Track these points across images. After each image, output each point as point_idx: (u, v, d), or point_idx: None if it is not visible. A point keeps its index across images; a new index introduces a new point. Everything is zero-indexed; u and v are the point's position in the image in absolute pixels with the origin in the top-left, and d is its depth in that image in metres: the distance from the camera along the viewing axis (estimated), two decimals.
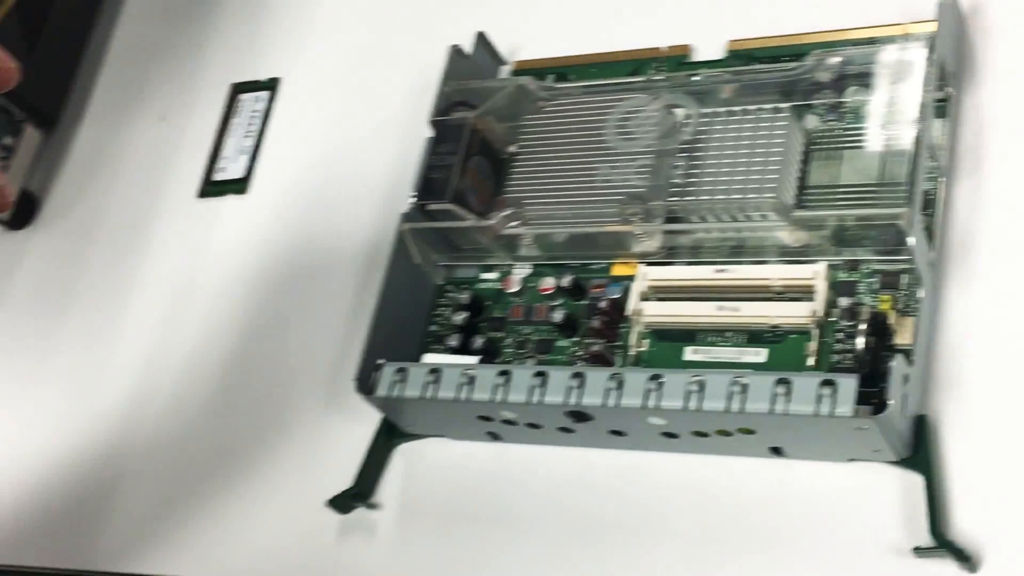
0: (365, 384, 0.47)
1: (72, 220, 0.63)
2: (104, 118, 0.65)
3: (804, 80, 0.47)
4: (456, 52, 0.53)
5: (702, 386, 0.41)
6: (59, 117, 0.65)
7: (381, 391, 0.46)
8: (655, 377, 0.42)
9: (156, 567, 0.51)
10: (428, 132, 0.51)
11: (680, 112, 0.48)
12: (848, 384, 0.39)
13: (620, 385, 0.42)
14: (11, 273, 0.63)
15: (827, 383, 0.39)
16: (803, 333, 0.44)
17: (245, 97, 0.62)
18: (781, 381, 0.40)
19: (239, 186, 0.60)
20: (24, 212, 0.64)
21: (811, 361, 0.43)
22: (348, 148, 0.58)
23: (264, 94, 0.62)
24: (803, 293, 0.44)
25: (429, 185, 0.50)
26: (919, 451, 0.40)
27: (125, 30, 0.68)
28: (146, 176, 0.63)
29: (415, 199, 0.50)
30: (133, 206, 0.62)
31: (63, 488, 0.55)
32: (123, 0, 0.68)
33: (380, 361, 0.47)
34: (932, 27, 0.45)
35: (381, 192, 0.55)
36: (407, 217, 0.50)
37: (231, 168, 0.60)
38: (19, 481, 0.56)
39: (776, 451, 0.43)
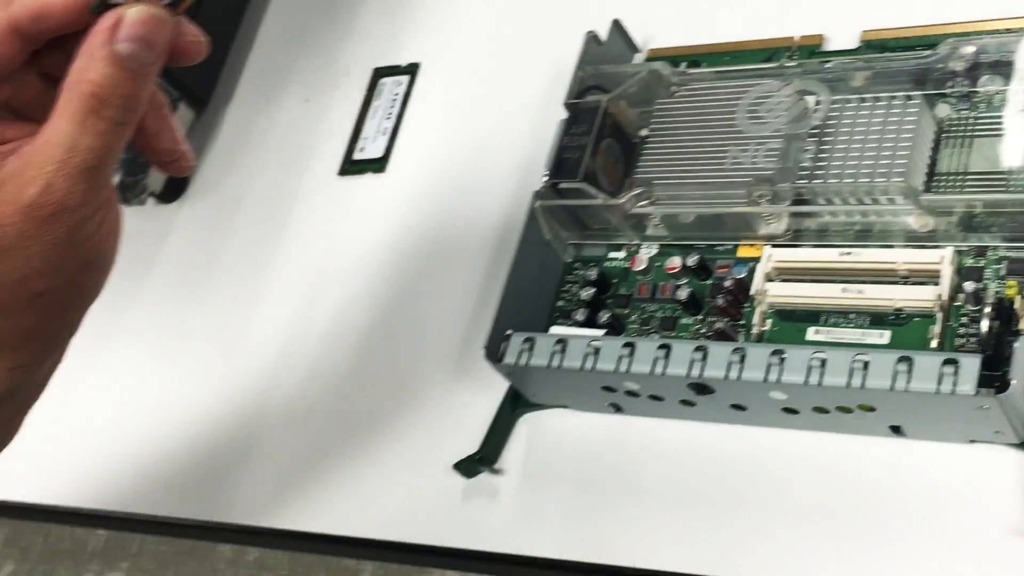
0: (494, 352, 0.48)
1: (219, 195, 0.67)
2: (252, 99, 0.69)
3: (937, 69, 0.47)
4: (592, 38, 0.54)
5: (823, 362, 0.42)
6: (210, 98, 0.69)
7: (509, 359, 0.48)
8: (777, 352, 0.43)
9: (291, 523, 0.54)
10: (562, 115, 0.53)
11: (811, 98, 0.48)
12: (971, 363, 0.40)
13: (742, 359, 0.43)
14: (161, 244, 0.66)
15: (949, 362, 0.40)
16: (927, 316, 0.44)
17: (386, 81, 0.65)
18: (903, 359, 0.41)
19: (378, 165, 0.62)
20: (174, 187, 0.67)
21: (934, 344, 0.43)
22: (483, 129, 0.60)
23: (404, 78, 0.64)
24: (928, 277, 0.45)
25: (561, 164, 0.51)
26: None
27: (273, 16, 0.71)
28: (290, 155, 0.65)
29: (547, 178, 0.51)
30: (277, 183, 0.65)
31: (206, 445, 0.58)
32: None
33: (509, 331, 0.49)
34: None
35: (515, 171, 0.57)
36: (539, 195, 0.51)
37: (370, 148, 0.63)
38: (166, 437, 0.59)
39: (896, 430, 0.43)
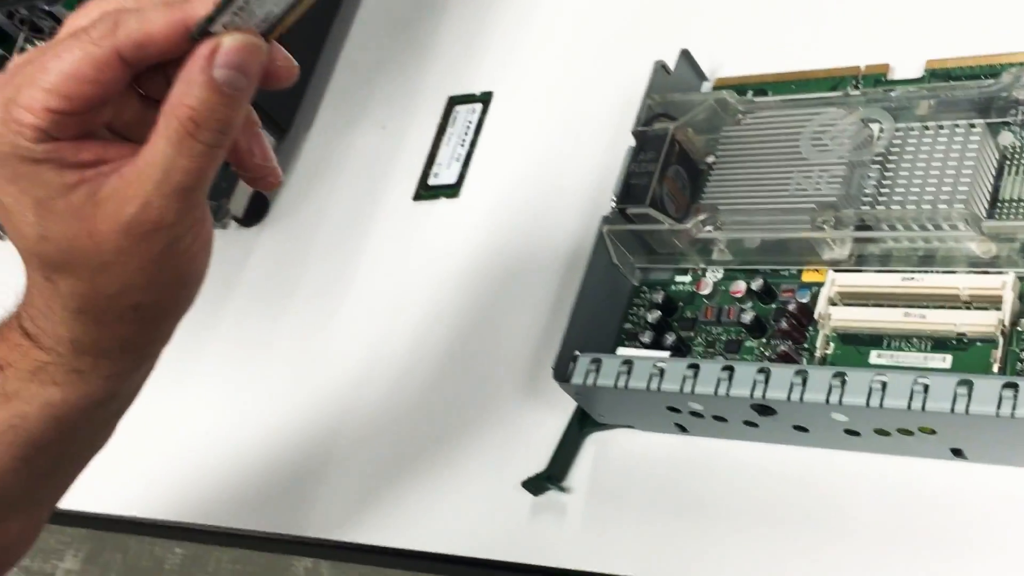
0: (562, 373, 0.50)
1: (298, 219, 0.69)
2: (331, 126, 0.71)
3: (1001, 97, 0.48)
4: (660, 67, 0.56)
5: (884, 384, 0.43)
6: (291, 125, 0.71)
7: (577, 379, 0.49)
8: (839, 374, 0.44)
9: (365, 537, 0.55)
10: (630, 142, 0.54)
11: (875, 126, 0.49)
12: None
13: (804, 381, 0.44)
14: (243, 266, 0.69)
15: (1009, 385, 0.41)
16: (989, 341, 0.45)
17: (460, 109, 0.67)
18: (963, 382, 0.41)
19: (451, 190, 0.64)
20: (256, 211, 0.70)
21: (996, 368, 0.44)
22: (554, 156, 0.61)
23: (478, 106, 0.66)
24: (990, 303, 0.45)
25: (629, 190, 0.53)
26: None
27: (352, 46, 0.73)
28: (366, 180, 0.68)
29: (616, 203, 0.53)
30: (354, 207, 0.67)
31: (284, 461, 0.60)
32: (351, 20, 0.74)
33: (576, 352, 0.50)
34: None
35: (584, 197, 0.59)
36: (607, 220, 0.53)
37: (444, 174, 0.65)
38: (247, 452, 0.61)
39: (957, 453, 0.44)
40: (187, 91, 0.37)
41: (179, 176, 0.37)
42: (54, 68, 0.37)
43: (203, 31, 0.37)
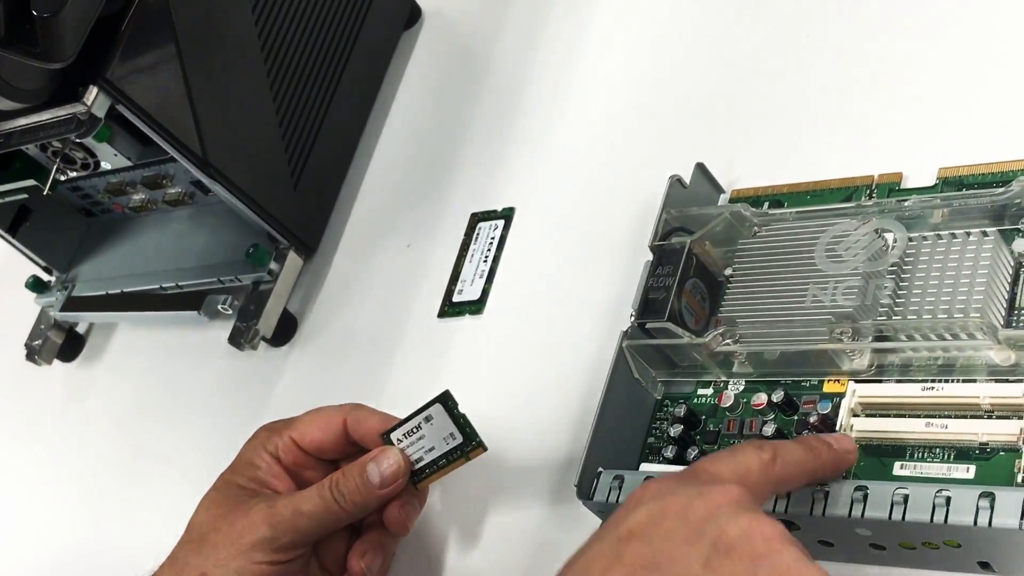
0: (585, 490, 0.50)
1: (326, 338, 0.70)
2: (357, 246, 0.72)
3: (1014, 204, 0.48)
4: (676, 181, 0.57)
5: (906, 497, 0.42)
6: (318, 245, 0.72)
7: (599, 497, 0.49)
8: (860, 488, 0.43)
9: None
10: (648, 256, 0.55)
11: (888, 236, 0.50)
12: None
13: (826, 495, 0.44)
14: (274, 384, 0.70)
15: None
16: (1012, 450, 0.44)
17: (483, 225, 0.68)
18: (985, 494, 0.41)
19: (475, 307, 0.65)
20: (285, 330, 0.71)
21: (1020, 478, 0.44)
22: (574, 271, 0.62)
23: (500, 222, 0.67)
24: (1012, 412, 0.45)
25: (648, 305, 0.53)
26: None
27: (377, 167, 0.75)
28: (392, 298, 0.68)
29: (635, 318, 0.53)
30: (380, 325, 0.68)
31: None
32: (375, 143, 0.75)
33: (600, 469, 0.50)
34: None
35: (604, 311, 0.59)
36: (627, 334, 0.53)
37: (468, 291, 0.65)
38: None
39: (985, 566, 0.43)
40: (347, 469, 0.53)
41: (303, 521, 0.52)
42: None
43: (388, 437, 0.54)
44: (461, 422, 0.53)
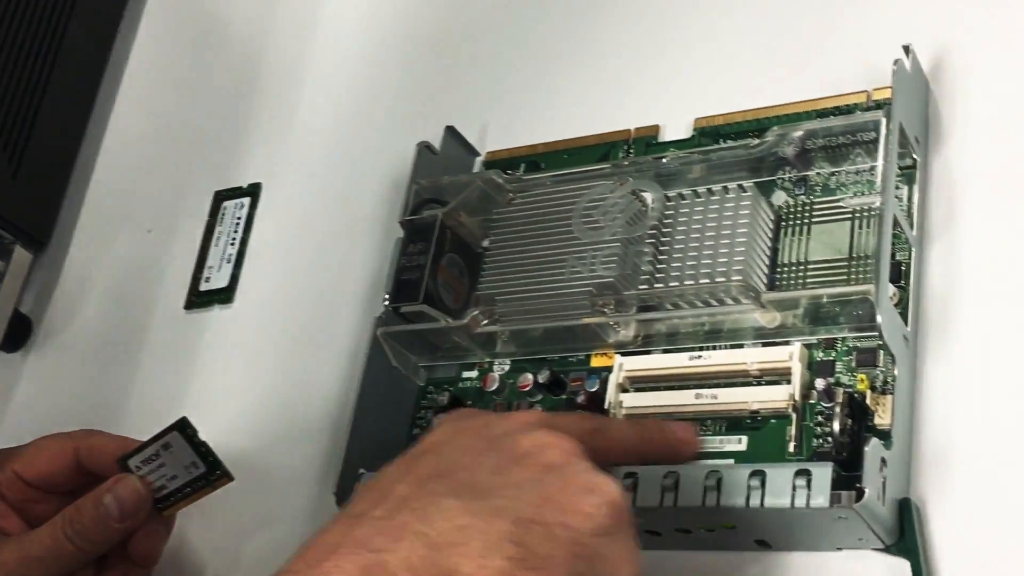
0: (344, 496, 0.46)
1: (64, 339, 0.63)
2: (93, 234, 0.66)
3: (769, 156, 0.46)
4: (425, 148, 0.53)
5: (676, 482, 0.40)
6: (49, 237, 0.66)
7: None
8: (629, 475, 0.41)
9: None
10: (400, 232, 0.51)
11: (647, 196, 0.47)
12: (823, 473, 0.38)
13: None
14: (8, 395, 0.63)
15: (802, 473, 0.38)
16: (783, 418, 0.42)
17: (228, 204, 0.62)
18: (755, 473, 0.39)
19: (224, 296, 0.59)
20: (18, 334, 0.64)
21: (792, 447, 0.42)
22: (329, 252, 0.58)
23: (246, 200, 0.62)
24: (780, 376, 0.43)
25: (401, 287, 0.49)
26: (904, 536, 0.39)
27: (111, 147, 0.68)
28: (135, 290, 0.63)
29: (388, 302, 0.49)
30: (123, 321, 0.62)
31: None
32: (107, 118, 0.68)
33: (361, 471, 0.46)
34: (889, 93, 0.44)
35: (362, 295, 0.55)
36: (381, 321, 0.49)
37: (216, 278, 0.60)
38: None
39: (762, 543, 0.41)
40: (82, 503, 0.48)
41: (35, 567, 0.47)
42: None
43: (125, 464, 0.48)
44: (203, 451, 0.48)
